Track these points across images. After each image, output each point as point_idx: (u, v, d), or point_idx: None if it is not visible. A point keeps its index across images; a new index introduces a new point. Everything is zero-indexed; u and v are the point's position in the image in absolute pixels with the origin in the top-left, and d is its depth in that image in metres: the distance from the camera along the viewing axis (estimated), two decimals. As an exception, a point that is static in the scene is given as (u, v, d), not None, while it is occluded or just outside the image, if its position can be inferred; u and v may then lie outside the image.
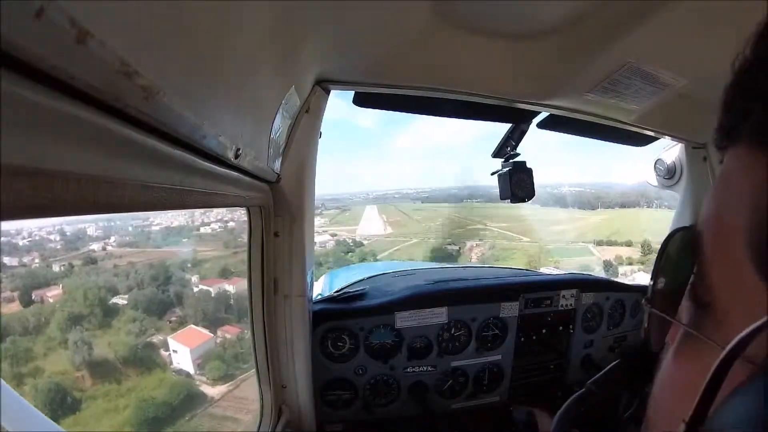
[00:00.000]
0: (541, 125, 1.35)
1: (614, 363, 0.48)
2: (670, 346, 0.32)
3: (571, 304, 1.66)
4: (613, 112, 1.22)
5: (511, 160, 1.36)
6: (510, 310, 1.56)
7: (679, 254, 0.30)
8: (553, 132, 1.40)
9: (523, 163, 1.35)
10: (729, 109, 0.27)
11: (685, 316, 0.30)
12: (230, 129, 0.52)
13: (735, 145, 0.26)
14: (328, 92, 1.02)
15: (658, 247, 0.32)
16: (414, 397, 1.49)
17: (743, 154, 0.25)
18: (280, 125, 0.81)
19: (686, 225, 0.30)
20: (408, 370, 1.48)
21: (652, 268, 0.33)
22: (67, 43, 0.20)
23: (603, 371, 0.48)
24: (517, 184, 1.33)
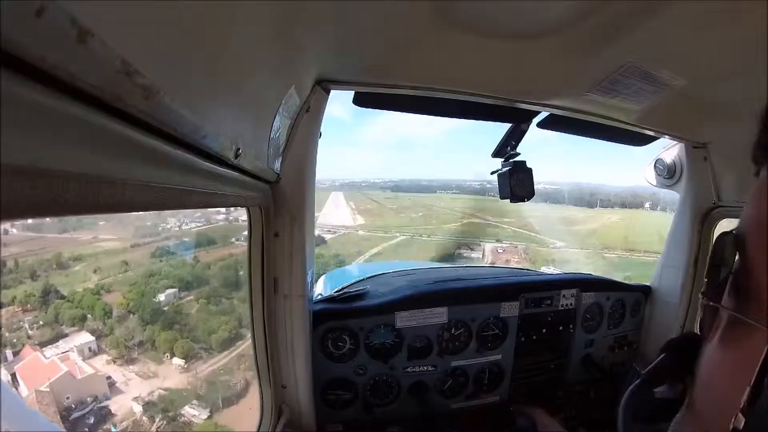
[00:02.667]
0: (541, 125, 1.35)
1: (661, 356, 0.52)
2: (712, 337, 0.37)
3: (571, 304, 1.66)
4: (613, 111, 1.22)
5: (511, 160, 1.36)
6: (510, 309, 1.56)
7: (726, 253, 0.35)
8: (553, 132, 1.40)
9: (523, 162, 1.35)
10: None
11: (730, 306, 0.35)
12: (230, 129, 0.52)
13: None
14: (328, 92, 1.02)
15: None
16: (414, 397, 1.48)
17: None
18: (280, 125, 0.81)
19: (731, 230, 0.35)
20: (408, 369, 1.48)
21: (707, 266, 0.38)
22: (67, 42, 0.20)
23: (653, 363, 0.53)
24: (517, 183, 1.34)
